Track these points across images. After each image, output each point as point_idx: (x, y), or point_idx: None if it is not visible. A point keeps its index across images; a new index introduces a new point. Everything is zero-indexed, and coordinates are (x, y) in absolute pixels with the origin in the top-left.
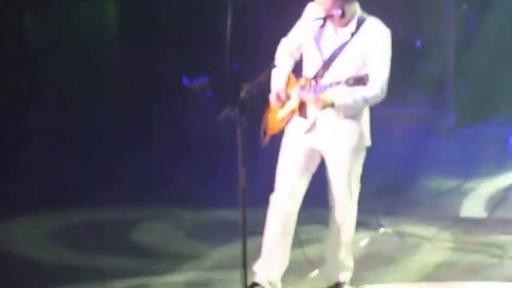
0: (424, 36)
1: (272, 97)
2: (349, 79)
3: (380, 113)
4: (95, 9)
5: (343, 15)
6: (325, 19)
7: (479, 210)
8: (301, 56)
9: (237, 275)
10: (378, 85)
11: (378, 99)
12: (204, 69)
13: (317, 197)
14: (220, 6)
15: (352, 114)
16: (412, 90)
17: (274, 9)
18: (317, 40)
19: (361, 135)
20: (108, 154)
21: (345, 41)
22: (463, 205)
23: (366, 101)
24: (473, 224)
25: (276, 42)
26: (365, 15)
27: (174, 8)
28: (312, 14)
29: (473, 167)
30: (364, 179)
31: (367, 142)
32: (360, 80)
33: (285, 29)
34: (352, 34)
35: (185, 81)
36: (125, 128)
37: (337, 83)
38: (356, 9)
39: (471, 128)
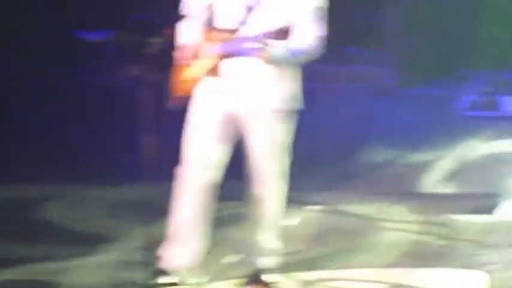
0: None
1: (179, 54)
2: (280, 30)
3: (312, 72)
4: None
5: None
6: None
7: (427, 184)
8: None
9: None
10: (313, 36)
11: (315, 54)
12: (104, 21)
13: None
14: None
15: (278, 71)
16: (349, 45)
17: None
18: None
19: (290, 96)
20: None
21: None
22: (409, 178)
23: (305, 55)
24: (420, 200)
25: None
26: None
27: None
28: None
29: (419, 134)
30: (295, 148)
31: (297, 104)
32: (281, 33)
33: None
34: None
35: (82, 34)
36: (15, 92)
37: (265, 35)
38: None
39: (417, 89)
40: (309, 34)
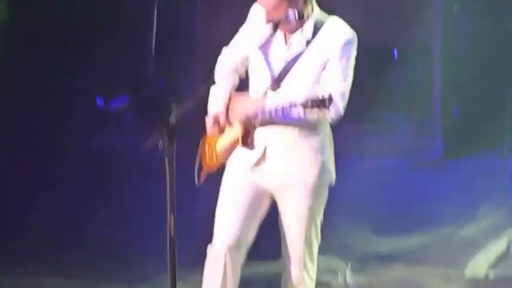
0: (403, 44)
1: (209, 122)
2: (307, 101)
3: (348, 142)
4: None
5: (300, 16)
6: (276, 24)
7: (476, 267)
8: (246, 71)
9: None
10: (337, 94)
11: (334, 118)
12: (122, 87)
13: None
14: (145, 4)
15: (311, 143)
16: (389, 113)
17: (211, 9)
18: (264, 50)
19: (323, 169)
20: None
21: (298, 50)
22: (457, 260)
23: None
24: (469, 284)
25: (214, 52)
26: (325, 15)
27: (83, 6)
28: (258, 17)
29: (467, 210)
30: (326, 225)
31: (331, 178)
32: (322, 103)
33: (225, 34)
34: (308, 42)
35: (99, 101)
36: (22, 157)
37: (293, 106)
38: (313, 8)
39: (463, 161)
40: (329, 86)
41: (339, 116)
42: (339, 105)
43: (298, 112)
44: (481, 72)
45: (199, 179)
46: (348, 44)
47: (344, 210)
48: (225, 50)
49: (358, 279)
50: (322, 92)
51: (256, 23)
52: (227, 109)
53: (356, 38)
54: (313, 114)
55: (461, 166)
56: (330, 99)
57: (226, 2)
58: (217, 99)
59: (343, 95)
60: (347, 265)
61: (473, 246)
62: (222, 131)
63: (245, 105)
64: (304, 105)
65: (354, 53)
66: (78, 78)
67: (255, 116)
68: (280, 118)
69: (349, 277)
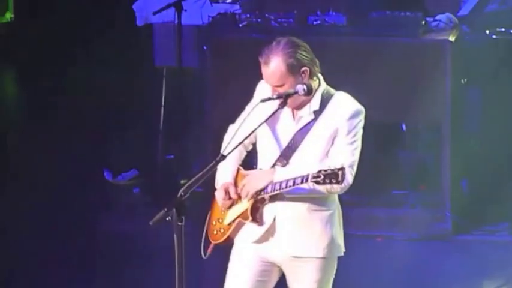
0: (411, 119)
1: (218, 195)
2: (318, 174)
3: (357, 216)
4: None
5: (308, 91)
6: (284, 99)
7: None
8: (253, 145)
9: None
10: (343, 164)
11: (339, 190)
12: (131, 161)
13: None
14: (154, 79)
15: (320, 217)
16: (398, 188)
17: (219, 87)
18: (272, 125)
19: (331, 243)
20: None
21: (306, 123)
22: None
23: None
24: None
25: (221, 129)
26: (331, 90)
27: (93, 83)
28: (265, 93)
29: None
30: None
31: (340, 251)
32: (333, 177)
33: (231, 110)
34: (316, 113)
35: (107, 175)
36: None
37: (304, 180)
38: (320, 83)
39: (473, 235)
40: (338, 159)
41: (348, 186)
42: (349, 177)
43: (308, 185)
44: (491, 147)
45: (205, 252)
46: (355, 116)
47: (351, 283)
48: (232, 127)
49: None
50: (333, 165)
51: (262, 98)
52: (236, 183)
53: (363, 111)
54: (323, 186)
55: (471, 241)
56: (343, 171)
57: (235, 81)
58: (225, 172)
59: (351, 166)
60: None
61: None
62: (231, 205)
63: (254, 180)
64: (316, 177)
65: (361, 125)
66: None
67: (265, 189)
68: (290, 192)
69: None
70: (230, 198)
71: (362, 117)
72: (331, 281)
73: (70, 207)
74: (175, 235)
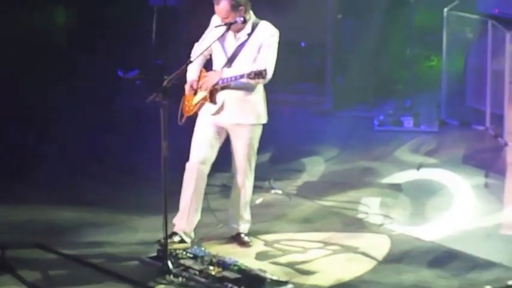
0: (308, 39)
1: (187, 87)
2: (250, 73)
3: (274, 98)
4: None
5: (244, 21)
6: (229, 26)
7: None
8: (210, 55)
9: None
10: (265, 65)
11: (263, 82)
12: (135, 64)
13: (222, 164)
14: (148, 13)
15: (251, 98)
16: (299, 81)
17: (190, 19)
18: (221, 42)
19: (258, 115)
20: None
21: (242, 41)
22: (335, 170)
23: (255, 76)
24: (342, 186)
25: (191, 45)
26: (258, 20)
27: (113, 11)
28: (217, 22)
29: (343, 141)
30: (260, 150)
31: (264, 120)
32: (260, 74)
33: (198, 34)
34: (248, 35)
35: (119, 72)
36: (67, 109)
37: (241, 76)
38: (250, 16)
39: (344, 111)
40: (263, 63)
41: (268, 80)
42: (269, 74)
43: (244, 79)
44: (358, 57)
45: (180, 120)
46: (273, 35)
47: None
48: (197, 44)
49: (278, 183)
50: (259, 67)
51: (214, 26)
52: (199, 79)
53: (278, 32)
54: (253, 80)
55: (343, 115)
56: (265, 70)
57: (202, 15)
58: (192, 72)
59: (271, 68)
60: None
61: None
62: (195, 92)
63: (211, 77)
64: (249, 74)
65: (276, 41)
66: (106, 59)
67: (218, 82)
68: (233, 84)
69: (272, 182)
70: (194, 89)
71: (277, 36)
72: (258, 138)
73: (98, 91)
74: (161, 109)
